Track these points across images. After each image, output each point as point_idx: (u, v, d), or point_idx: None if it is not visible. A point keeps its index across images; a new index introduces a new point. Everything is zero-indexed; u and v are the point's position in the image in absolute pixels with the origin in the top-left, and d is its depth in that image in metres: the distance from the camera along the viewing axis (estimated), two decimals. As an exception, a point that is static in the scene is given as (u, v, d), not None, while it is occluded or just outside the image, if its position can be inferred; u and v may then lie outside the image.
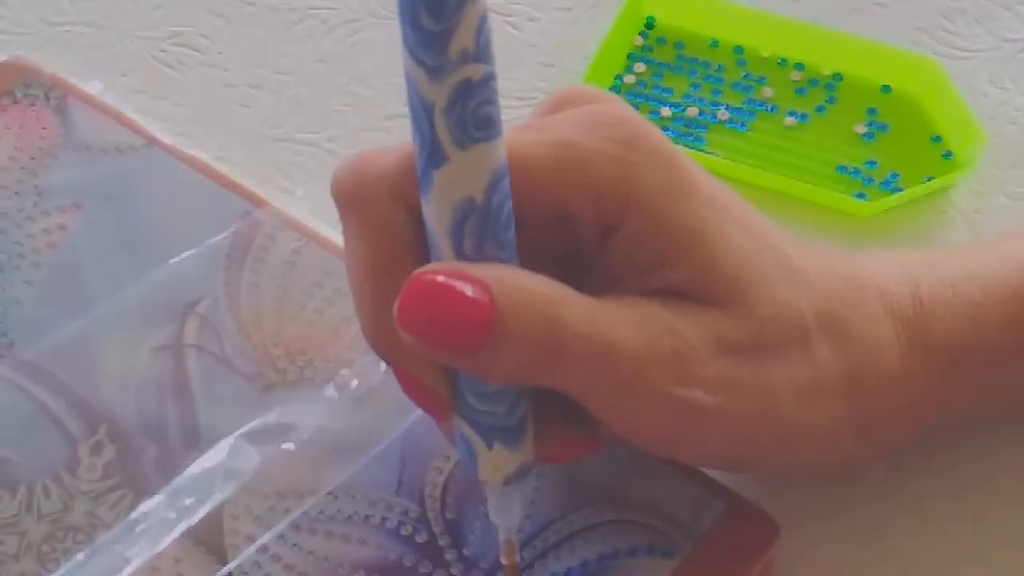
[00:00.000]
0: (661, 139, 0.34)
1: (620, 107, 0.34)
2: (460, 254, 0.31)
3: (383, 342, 0.33)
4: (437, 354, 0.32)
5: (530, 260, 0.33)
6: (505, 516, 0.35)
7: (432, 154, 0.30)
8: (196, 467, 0.38)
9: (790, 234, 0.36)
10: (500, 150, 0.31)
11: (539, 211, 0.33)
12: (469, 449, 0.34)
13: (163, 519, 0.37)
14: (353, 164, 0.33)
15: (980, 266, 0.37)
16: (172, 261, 0.43)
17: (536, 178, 0.33)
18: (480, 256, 0.31)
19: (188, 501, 0.37)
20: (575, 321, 0.31)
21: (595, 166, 0.33)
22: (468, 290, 0.30)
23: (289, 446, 0.39)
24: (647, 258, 0.33)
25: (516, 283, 0.31)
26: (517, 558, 0.35)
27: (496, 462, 0.34)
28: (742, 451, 0.35)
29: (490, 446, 0.33)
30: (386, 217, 0.33)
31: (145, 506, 0.37)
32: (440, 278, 0.31)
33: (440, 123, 0.30)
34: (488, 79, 0.30)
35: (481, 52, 0.29)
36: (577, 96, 0.35)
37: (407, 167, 0.32)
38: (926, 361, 0.36)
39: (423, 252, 0.32)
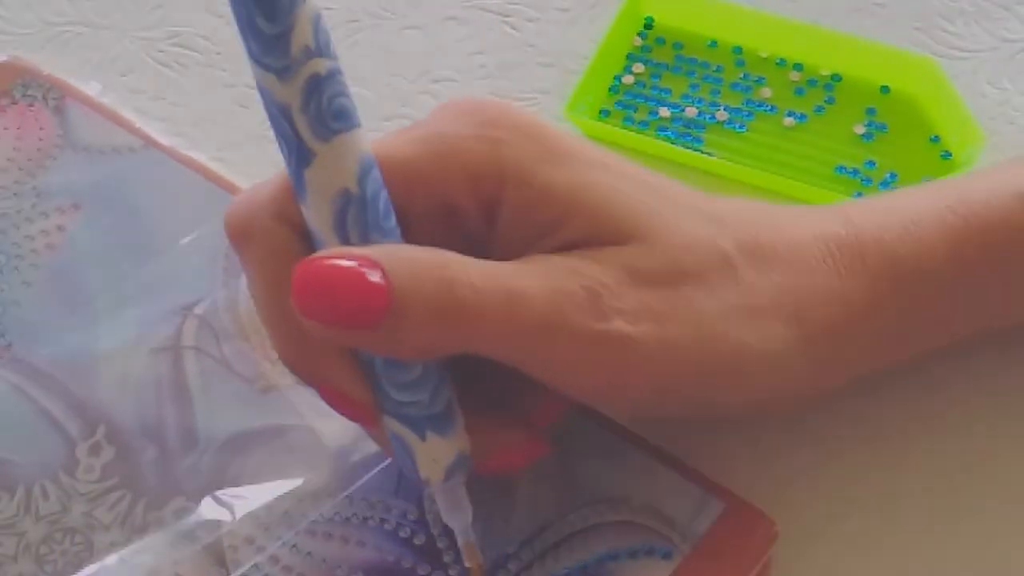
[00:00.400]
0: (528, 117, 0.34)
1: (489, 100, 0.35)
2: (347, 245, 0.32)
3: (298, 361, 0.34)
4: (342, 336, 0.32)
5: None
6: (456, 515, 0.35)
7: (300, 155, 0.32)
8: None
9: (703, 192, 0.36)
10: (363, 140, 0.32)
11: (421, 207, 0.34)
12: (405, 449, 0.34)
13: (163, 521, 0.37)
14: (238, 201, 0.35)
15: (911, 196, 0.37)
16: (171, 264, 0.43)
17: (410, 174, 0.34)
18: (366, 245, 0.32)
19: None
20: (470, 277, 0.32)
21: (463, 150, 0.34)
22: (358, 265, 0.31)
23: (290, 450, 0.39)
24: (536, 227, 0.34)
25: (406, 254, 0.32)
26: (480, 559, 0.35)
27: (432, 453, 0.34)
28: (691, 385, 0.34)
29: (423, 437, 0.34)
30: (274, 240, 0.34)
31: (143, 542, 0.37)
32: (332, 261, 0.31)
33: (300, 121, 0.31)
34: (335, 72, 0.31)
35: (323, 47, 0.31)
36: (454, 102, 0.36)
37: (284, 188, 0.33)
38: (865, 275, 0.35)
39: None
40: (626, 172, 0.35)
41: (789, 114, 0.49)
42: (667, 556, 0.36)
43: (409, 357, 0.33)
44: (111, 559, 0.37)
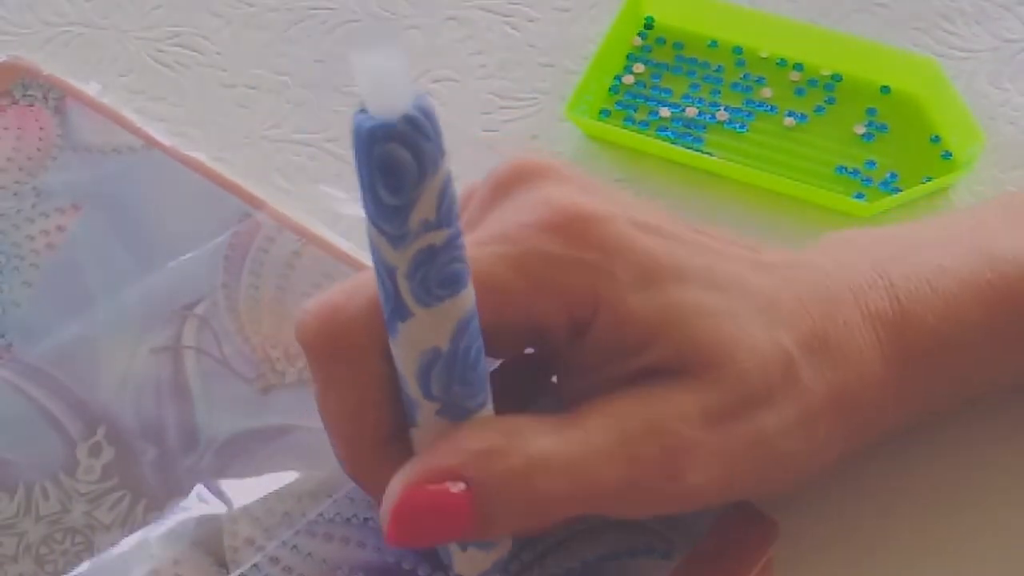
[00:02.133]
0: (614, 223, 0.34)
1: (566, 190, 0.35)
2: (428, 396, 0.32)
3: (371, 480, 0.34)
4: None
5: (505, 368, 0.35)
6: None
7: (396, 309, 0.31)
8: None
9: (751, 242, 0.37)
10: (466, 299, 0.31)
11: (511, 325, 0.34)
12: (445, 549, 0.35)
13: (162, 521, 0.37)
14: (322, 312, 0.34)
15: (953, 258, 0.37)
16: (171, 264, 0.43)
17: (503, 297, 0.33)
18: (447, 397, 0.32)
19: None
20: (554, 481, 0.32)
21: (559, 275, 0.33)
22: (449, 489, 0.31)
23: (290, 450, 0.39)
24: (622, 347, 0.34)
25: (492, 465, 0.32)
26: None
27: (471, 561, 0.35)
28: (737, 489, 0.35)
29: (464, 549, 0.34)
30: (364, 364, 0.33)
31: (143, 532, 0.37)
32: (422, 488, 0.31)
33: (403, 285, 0.30)
34: (452, 240, 0.30)
35: (443, 218, 0.29)
36: (524, 174, 0.35)
37: (377, 311, 0.32)
38: (906, 360, 0.36)
39: (395, 390, 0.33)
40: (694, 270, 0.35)
41: (789, 114, 0.49)
42: (667, 556, 0.36)
43: (494, 536, 0.35)
44: (109, 556, 0.37)
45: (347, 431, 0.34)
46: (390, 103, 0.28)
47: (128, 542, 0.37)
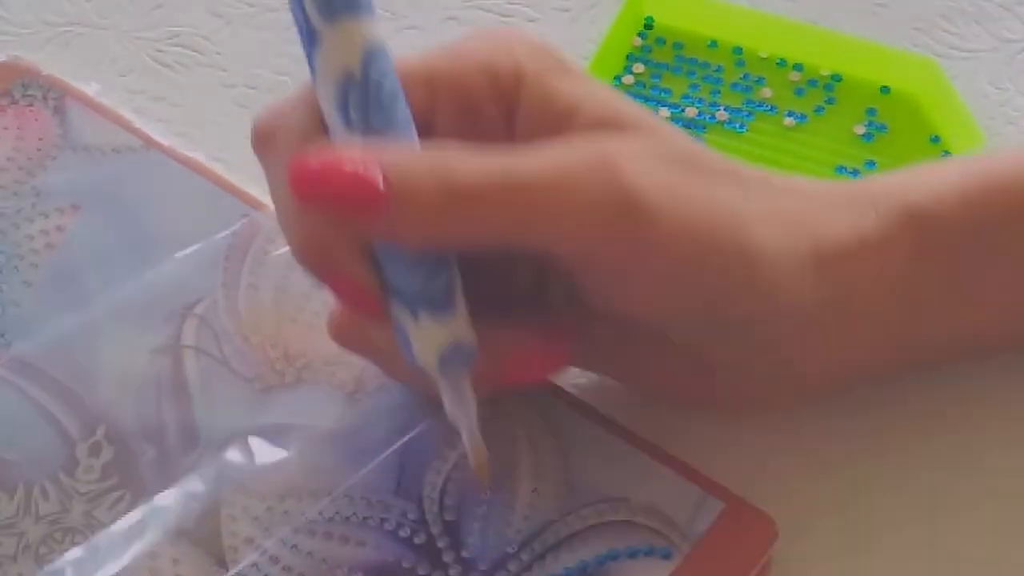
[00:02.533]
0: (544, 42, 0.35)
1: (508, 28, 0.37)
2: (348, 127, 0.33)
3: (311, 255, 0.34)
4: (345, 222, 0.33)
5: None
6: (459, 409, 0.35)
7: (309, 37, 0.33)
8: (196, 474, 0.38)
9: None
10: (372, 28, 0.33)
11: (443, 108, 0.35)
12: (403, 334, 0.34)
13: (162, 521, 0.37)
14: (263, 111, 0.35)
15: (953, 161, 0.38)
16: (173, 259, 0.43)
17: (430, 73, 0.35)
18: (368, 130, 0.33)
19: (187, 504, 0.37)
20: (468, 159, 0.32)
21: (480, 51, 0.35)
22: (360, 157, 0.32)
23: (290, 449, 0.39)
24: (553, 119, 0.34)
25: (404, 148, 0.33)
26: (487, 457, 0.36)
27: (426, 335, 0.34)
28: (706, 276, 0.33)
29: (416, 316, 0.34)
30: (294, 141, 0.34)
31: (142, 511, 0.37)
32: (325, 148, 0.32)
33: (308, 2, 0.32)
34: None
35: None
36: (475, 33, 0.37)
37: (307, 96, 0.34)
38: (880, 216, 0.35)
39: None
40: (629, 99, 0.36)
41: (789, 114, 0.49)
42: (667, 556, 0.36)
43: (416, 244, 0.33)
44: (109, 554, 0.37)
45: (290, 215, 0.34)
46: None
47: (121, 524, 0.37)
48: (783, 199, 0.34)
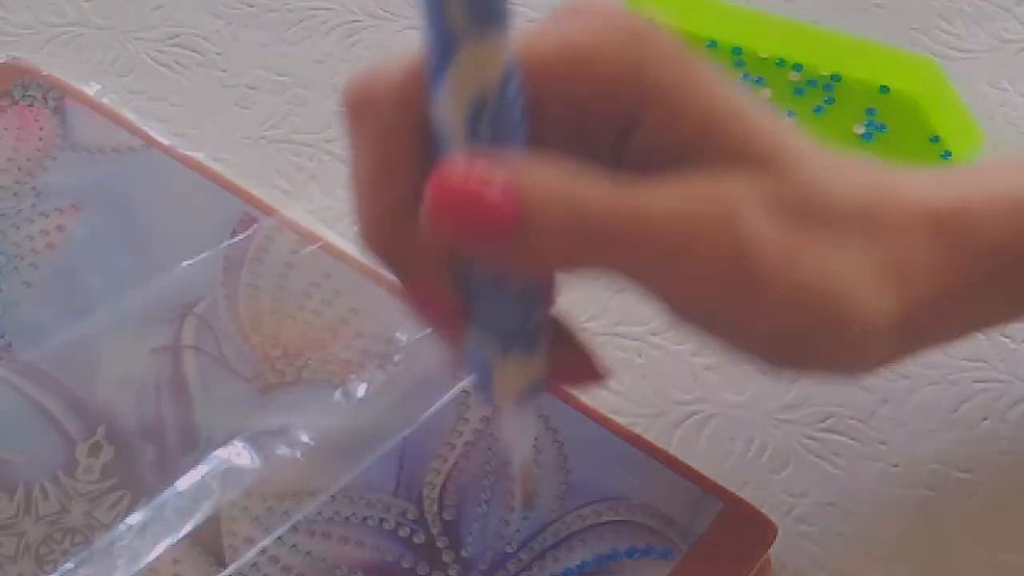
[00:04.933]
0: (672, 39, 0.33)
1: (631, 13, 0.33)
2: (475, 147, 0.31)
3: (389, 253, 0.33)
4: (469, 246, 0.31)
5: None
6: (519, 440, 0.34)
7: (445, 46, 0.30)
8: (196, 472, 0.38)
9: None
10: (511, 45, 0.30)
11: (554, 112, 0.32)
12: (482, 365, 0.33)
13: (163, 521, 0.37)
14: (363, 74, 0.33)
15: (1011, 173, 0.36)
16: (182, 265, 0.43)
17: (547, 75, 0.32)
18: (496, 149, 0.31)
19: (188, 503, 0.37)
20: (601, 193, 0.31)
21: (604, 56, 0.32)
22: (496, 175, 0.30)
23: (289, 449, 0.39)
24: (672, 148, 0.32)
25: (538, 166, 0.31)
26: (533, 488, 0.35)
27: (511, 375, 0.33)
28: (801, 333, 0.33)
29: (507, 354, 0.33)
30: (394, 127, 0.32)
31: (143, 512, 0.37)
32: (462, 171, 0.30)
33: (453, 8, 0.29)
34: None
35: None
36: (588, 4, 0.34)
37: (416, 74, 0.32)
38: (969, 256, 0.34)
39: (430, 164, 0.32)
40: (762, 103, 0.33)
41: (789, 114, 0.49)
42: (666, 556, 0.36)
43: (536, 270, 0.32)
44: (109, 554, 0.37)
45: (370, 192, 0.33)
46: None
47: (133, 542, 0.37)
48: (884, 244, 0.33)
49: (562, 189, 0.31)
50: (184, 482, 0.38)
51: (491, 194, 0.30)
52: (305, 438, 0.39)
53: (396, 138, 0.32)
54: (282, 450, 0.38)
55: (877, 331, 0.33)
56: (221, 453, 0.38)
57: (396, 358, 0.40)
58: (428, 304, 0.33)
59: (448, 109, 0.31)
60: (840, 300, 0.32)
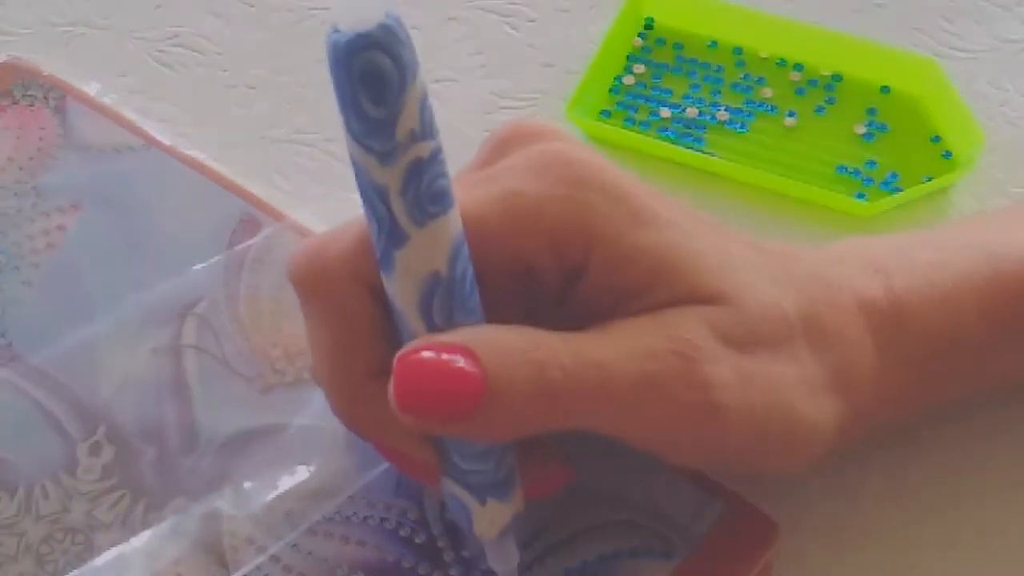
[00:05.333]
0: (612, 172, 0.33)
1: (566, 145, 0.34)
2: (431, 327, 0.32)
3: (360, 421, 0.34)
4: (433, 427, 0.32)
5: (498, 317, 0.33)
6: (503, 563, 0.35)
7: (391, 236, 0.30)
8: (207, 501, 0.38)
9: (751, 238, 0.36)
10: (456, 219, 0.31)
11: (498, 267, 0.33)
12: (462, 507, 0.34)
13: (162, 522, 0.37)
14: (309, 250, 0.34)
15: (951, 254, 0.37)
16: (183, 241, 0.43)
17: (489, 236, 0.33)
18: (451, 326, 0.32)
19: (188, 503, 0.37)
20: (560, 358, 0.31)
21: (548, 212, 0.33)
22: (458, 361, 0.31)
23: (289, 448, 0.39)
24: (621, 289, 0.33)
25: (495, 338, 0.31)
26: None
27: (490, 517, 0.34)
28: (758, 450, 0.34)
29: (483, 503, 0.34)
30: (348, 302, 0.33)
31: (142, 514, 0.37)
32: (427, 354, 0.31)
33: (397, 205, 0.30)
34: (436, 153, 0.30)
35: (427, 129, 0.29)
36: (522, 135, 0.35)
37: (363, 247, 0.32)
38: (902, 353, 0.36)
39: (387, 329, 0.33)
40: (699, 230, 0.34)
41: (790, 114, 0.49)
42: (667, 556, 0.36)
43: (497, 440, 0.33)
44: (110, 555, 0.37)
45: (334, 367, 0.34)
46: (362, 16, 0.28)
47: (134, 543, 0.37)
48: (826, 352, 0.35)
49: (523, 365, 0.31)
50: (184, 485, 0.38)
51: (455, 381, 0.31)
52: (306, 438, 0.39)
53: (352, 313, 0.33)
54: (283, 451, 0.38)
55: (826, 434, 0.35)
56: (221, 455, 0.38)
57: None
58: (405, 463, 0.34)
59: (399, 293, 0.31)
60: (791, 412, 0.34)
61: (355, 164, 0.30)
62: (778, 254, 0.36)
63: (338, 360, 0.34)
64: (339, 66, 0.28)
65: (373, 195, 0.30)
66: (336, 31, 0.28)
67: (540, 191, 0.33)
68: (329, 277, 0.33)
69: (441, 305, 0.31)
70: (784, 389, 0.34)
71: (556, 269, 0.33)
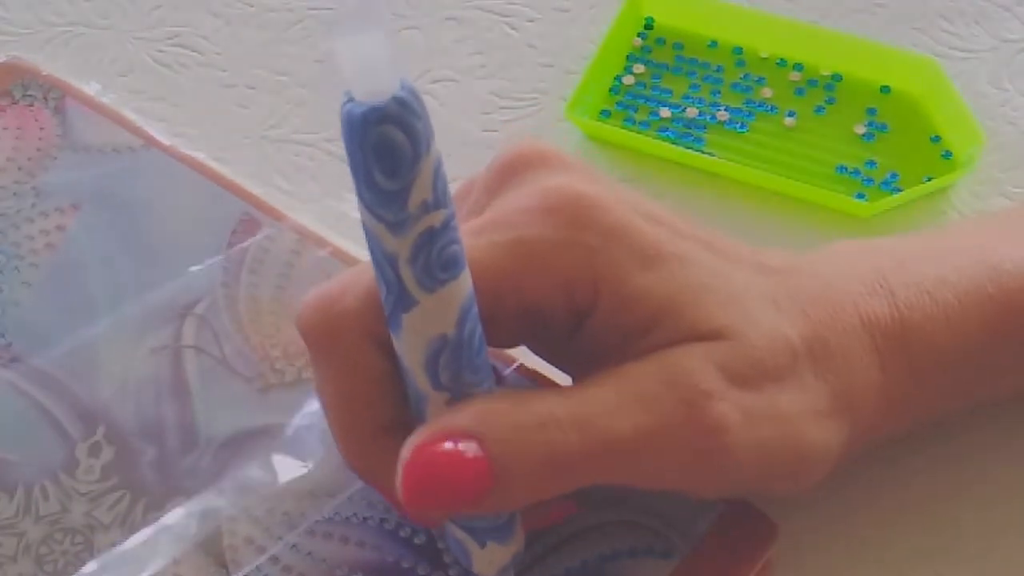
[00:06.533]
0: (617, 211, 0.34)
1: (571, 178, 0.34)
2: (437, 386, 0.32)
3: (369, 470, 0.35)
4: (444, 513, 0.33)
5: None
6: None
7: (400, 299, 0.30)
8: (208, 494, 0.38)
9: (754, 250, 0.36)
10: (466, 281, 0.31)
11: (508, 311, 0.33)
12: (462, 548, 0.35)
13: (162, 522, 0.37)
14: (319, 303, 0.34)
15: (954, 270, 0.37)
16: (183, 240, 0.43)
17: (499, 283, 0.33)
18: (457, 385, 0.32)
19: (188, 504, 0.37)
20: (567, 434, 0.31)
21: (556, 258, 0.33)
22: (463, 450, 0.31)
23: (290, 449, 0.39)
24: (627, 328, 0.33)
25: (503, 420, 0.31)
26: None
27: (490, 557, 0.34)
28: (766, 479, 0.35)
29: (483, 545, 0.34)
30: (358, 357, 0.33)
31: (146, 532, 0.37)
32: (434, 446, 0.31)
33: (406, 272, 0.30)
34: (448, 221, 0.30)
35: (440, 199, 0.29)
36: (527, 161, 0.35)
37: (373, 302, 0.32)
38: (906, 370, 0.36)
39: (397, 384, 0.33)
40: (703, 259, 0.34)
41: (790, 114, 0.49)
42: (667, 556, 0.36)
43: (506, 510, 0.34)
44: (109, 556, 0.37)
45: (344, 420, 0.34)
46: (377, 87, 0.28)
47: (134, 540, 0.37)
48: (830, 375, 0.35)
49: (530, 447, 0.31)
50: (184, 486, 0.38)
51: (460, 476, 0.31)
52: (306, 439, 0.39)
53: (361, 368, 0.33)
54: (283, 451, 0.38)
55: (831, 455, 0.35)
56: (221, 455, 0.38)
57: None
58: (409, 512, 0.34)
59: (406, 353, 0.31)
60: (799, 443, 0.34)
61: (366, 229, 0.30)
62: (782, 272, 0.36)
63: (347, 412, 0.34)
64: (353, 137, 0.28)
65: (383, 261, 0.30)
66: (351, 100, 0.28)
67: (548, 237, 0.33)
68: (339, 331, 0.33)
69: (447, 365, 0.31)
70: (792, 420, 0.34)
71: (566, 311, 0.34)
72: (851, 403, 0.35)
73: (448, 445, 0.31)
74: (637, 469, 0.33)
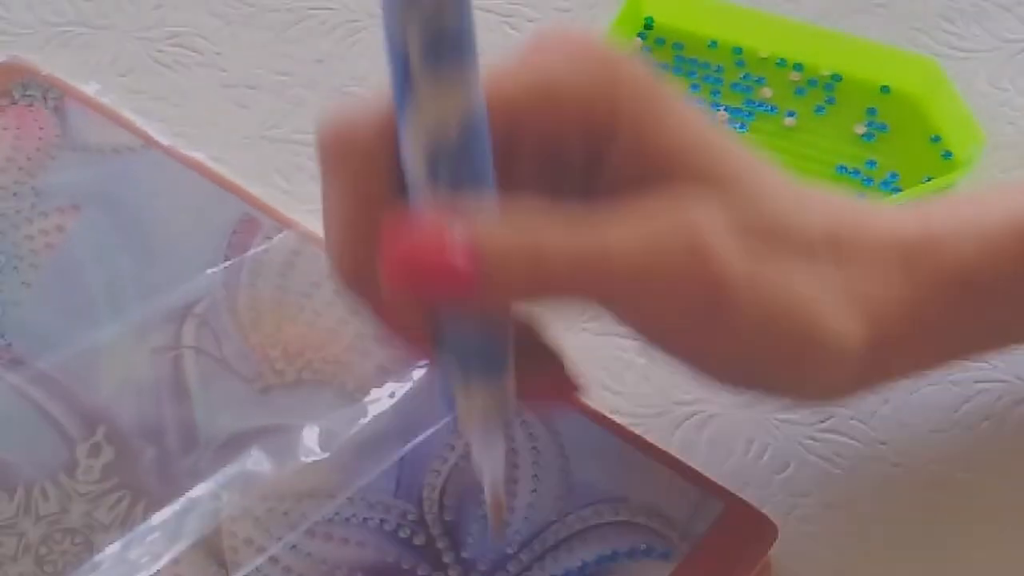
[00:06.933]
0: (642, 68, 0.33)
1: (598, 39, 0.34)
2: (435, 189, 0.31)
3: (360, 286, 0.33)
4: (428, 300, 0.32)
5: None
6: (488, 459, 0.34)
7: (404, 87, 0.30)
8: (210, 482, 0.38)
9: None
10: (474, 84, 0.30)
11: (525, 148, 0.33)
12: (450, 388, 0.33)
13: (162, 522, 0.37)
14: (337, 116, 0.33)
15: (994, 205, 0.36)
16: (182, 240, 0.43)
17: (518, 115, 0.32)
18: (456, 193, 0.31)
19: (187, 504, 0.37)
20: (560, 239, 0.31)
21: (575, 92, 0.32)
22: (450, 226, 0.30)
23: (290, 449, 0.39)
24: (643, 178, 0.32)
25: (495, 215, 0.31)
26: (504, 509, 0.35)
27: (474, 403, 0.33)
28: (767, 354, 0.33)
29: (468, 381, 0.33)
30: (370, 167, 0.33)
31: (154, 519, 0.37)
32: (417, 235, 0.30)
33: (412, 45, 0.29)
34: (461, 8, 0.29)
35: None
36: (557, 37, 0.34)
37: (391, 116, 0.32)
38: (937, 287, 0.35)
39: (398, 200, 0.32)
40: (730, 138, 0.34)
41: (789, 114, 0.49)
42: (666, 556, 0.36)
43: (497, 311, 0.32)
44: (109, 556, 0.37)
45: (345, 234, 0.33)
46: None
47: (134, 540, 0.37)
48: (851, 271, 0.34)
49: (520, 239, 0.31)
50: (184, 486, 0.38)
51: (447, 256, 0.30)
52: (306, 439, 0.39)
53: (371, 182, 0.33)
54: (283, 451, 0.38)
55: (846, 356, 0.33)
56: (221, 456, 0.38)
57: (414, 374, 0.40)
58: (400, 333, 0.34)
59: (409, 151, 0.31)
60: (810, 324, 0.33)
61: (384, 8, 0.30)
62: (811, 185, 0.35)
63: (350, 227, 0.33)
64: None
65: (394, 33, 0.30)
66: None
67: (569, 72, 0.33)
68: (358, 142, 0.33)
69: (448, 169, 0.31)
70: (804, 300, 0.33)
71: (583, 155, 0.33)
72: (873, 312, 0.34)
73: (435, 222, 0.30)
74: (633, 302, 0.32)
